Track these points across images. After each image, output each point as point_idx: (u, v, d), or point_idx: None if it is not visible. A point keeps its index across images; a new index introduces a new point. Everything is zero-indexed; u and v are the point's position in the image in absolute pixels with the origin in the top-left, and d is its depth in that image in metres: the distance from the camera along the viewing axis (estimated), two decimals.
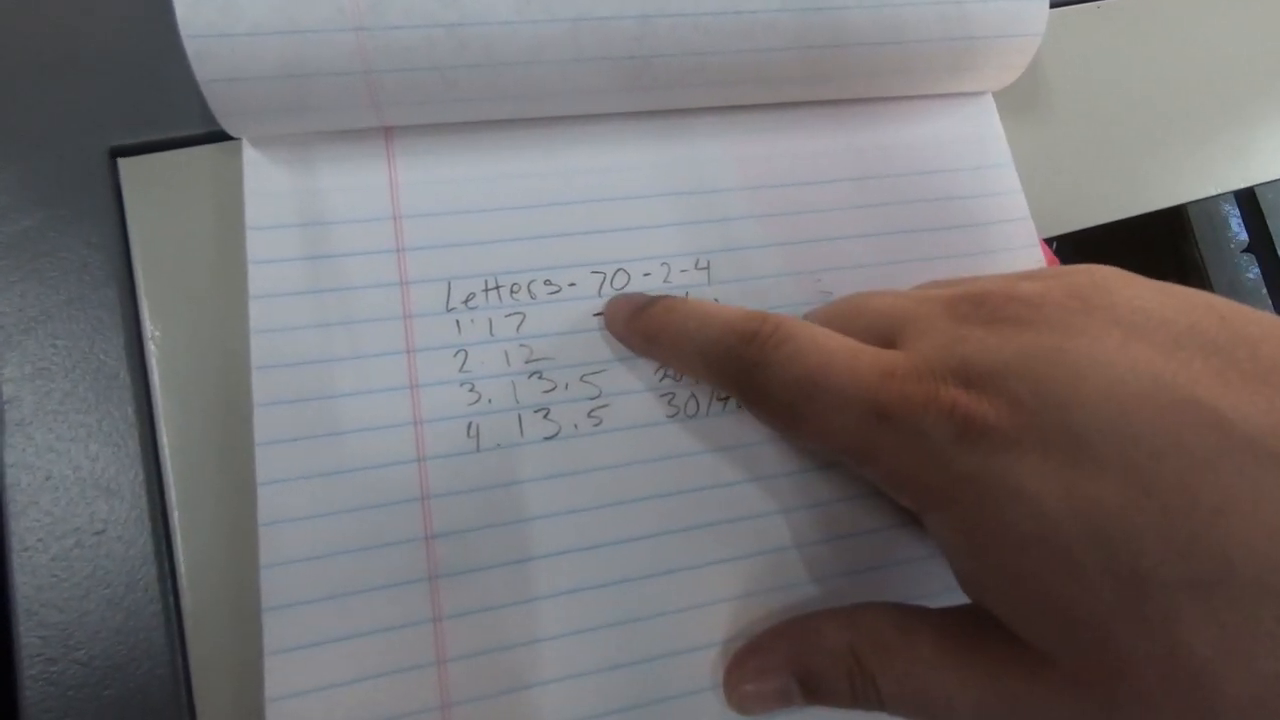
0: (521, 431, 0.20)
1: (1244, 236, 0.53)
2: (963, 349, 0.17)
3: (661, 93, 0.22)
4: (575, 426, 0.21)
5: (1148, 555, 0.14)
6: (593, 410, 0.21)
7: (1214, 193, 0.26)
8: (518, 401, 0.21)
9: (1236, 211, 0.54)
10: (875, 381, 0.17)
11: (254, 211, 0.20)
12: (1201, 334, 0.15)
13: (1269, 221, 0.51)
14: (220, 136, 0.21)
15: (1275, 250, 0.50)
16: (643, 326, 0.21)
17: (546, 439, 0.20)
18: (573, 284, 0.21)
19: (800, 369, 0.17)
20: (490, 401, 0.20)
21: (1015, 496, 0.15)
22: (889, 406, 0.16)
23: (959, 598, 0.18)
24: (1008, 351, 0.16)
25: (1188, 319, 0.16)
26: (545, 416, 0.21)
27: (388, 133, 0.22)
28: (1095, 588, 0.14)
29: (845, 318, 0.20)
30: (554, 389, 0.21)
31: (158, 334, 0.20)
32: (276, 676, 0.18)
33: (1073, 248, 0.37)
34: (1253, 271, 0.52)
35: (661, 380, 0.21)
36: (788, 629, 0.19)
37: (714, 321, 0.19)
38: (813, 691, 0.18)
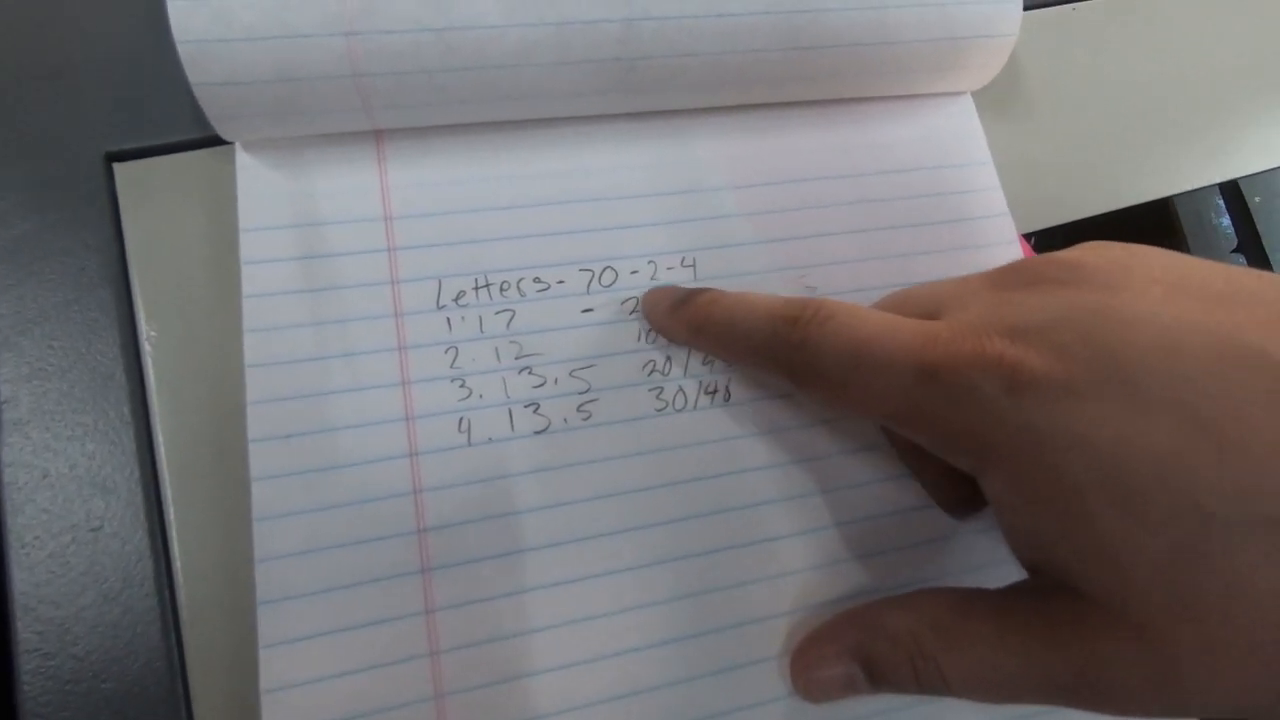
0: (512, 426, 0.21)
1: (1233, 235, 0.54)
2: (1005, 310, 0.17)
3: (647, 94, 0.23)
4: (565, 421, 0.21)
5: (1208, 493, 0.14)
6: (582, 405, 0.21)
7: (1189, 188, 0.27)
8: (508, 396, 0.21)
9: (1225, 211, 0.54)
10: (920, 345, 0.17)
11: (247, 213, 0.21)
12: (1243, 289, 0.16)
13: (1256, 221, 0.52)
14: (214, 141, 0.21)
15: (1264, 250, 0.51)
16: (689, 318, 0.21)
17: (537, 433, 0.21)
18: (561, 281, 0.22)
19: (844, 341, 0.18)
20: (481, 397, 0.21)
21: (1071, 443, 0.15)
22: (936, 365, 0.17)
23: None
24: (1052, 308, 0.16)
25: (1226, 277, 0.16)
26: (535, 411, 0.21)
27: (379, 135, 0.22)
28: (1157, 529, 0.14)
29: (888, 307, 0.20)
30: (544, 384, 0.21)
31: (153, 334, 0.20)
32: (271, 669, 0.18)
33: (1062, 244, 0.37)
34: None
35: (650, 375, 0.22)
36: (848, 617, 0.19)
37: (758, 309, 0.20)
38: (877, 678, 0.18)
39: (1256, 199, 0.52)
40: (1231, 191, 0.51)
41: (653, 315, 0.22)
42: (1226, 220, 0.54)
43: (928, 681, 0.17)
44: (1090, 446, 0.15)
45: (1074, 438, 0.15)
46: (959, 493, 0.21)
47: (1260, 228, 0.51)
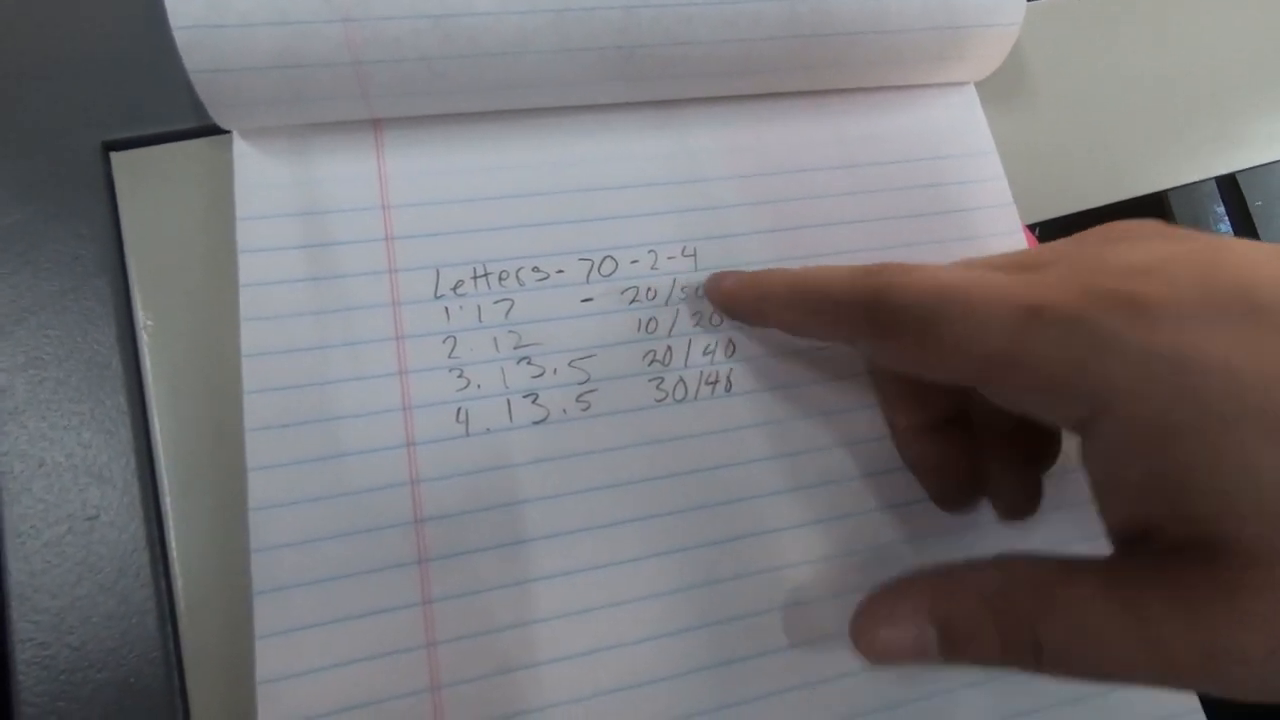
0: (510, 416, 0.21)
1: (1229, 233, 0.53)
2: (1108, 257, 0.16)
3: (647, 83, 0.22)
4: (564, 411, 0.21)
5: None
6: (581, 395, 0.21)
7: (1193, 180, 0.27)
8: (506, 386, 0.21)
9: (1223, 210, 0.54)
10: (1022, 287, 0.15)
11: (244, 202, 0.21)
12: None
13: (1257, 225, 0.51)
14: (211, 130, 0.21)
15: None
16: (757, 285, 0.21)
17: (535, 423, 0.21)
18: (561, 271, 0.22)
19: (931, 286, 0.17)
20: (479, 387, 0.21)
21: (1210, 370, 0.14)
22: (1042, 304, 0.15)
23: None
24: (1158, 252, 0.15)
25: None
26: (534, 401, 0.21)
27: (377, 124, 0.22)
28: None
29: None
30: (542, 374, 0.21)
31: (150, 323, 0.20)
32: (267, 659, 0.18)
33: (1064, 235, 0.37)
34: None
35: (650, 365, 0.22)
36: (926, 574, 0.17)
37: (834, 269, 0.19)
38: (955, 644, 0.16)
39: (1258, 203, 0.51)
40: (1232, 195, 0.51)
41: (715, 295, 0.22)
42: (1226, 225, 0.54)
43: (1014, 651, 0.15)
44: (1231, 372, 0.13)
45: (1212, 364, 0.14)
46: (957, 484, 0.21)
47: (1260, 232, 0.51)
